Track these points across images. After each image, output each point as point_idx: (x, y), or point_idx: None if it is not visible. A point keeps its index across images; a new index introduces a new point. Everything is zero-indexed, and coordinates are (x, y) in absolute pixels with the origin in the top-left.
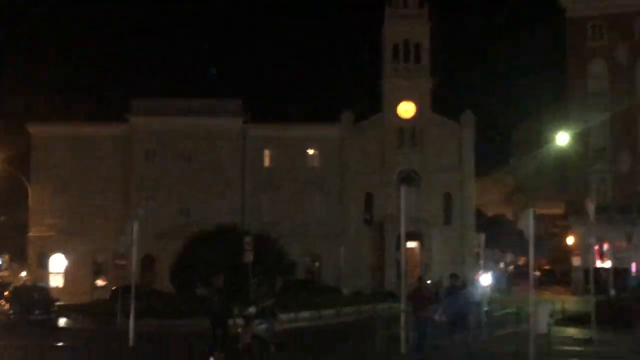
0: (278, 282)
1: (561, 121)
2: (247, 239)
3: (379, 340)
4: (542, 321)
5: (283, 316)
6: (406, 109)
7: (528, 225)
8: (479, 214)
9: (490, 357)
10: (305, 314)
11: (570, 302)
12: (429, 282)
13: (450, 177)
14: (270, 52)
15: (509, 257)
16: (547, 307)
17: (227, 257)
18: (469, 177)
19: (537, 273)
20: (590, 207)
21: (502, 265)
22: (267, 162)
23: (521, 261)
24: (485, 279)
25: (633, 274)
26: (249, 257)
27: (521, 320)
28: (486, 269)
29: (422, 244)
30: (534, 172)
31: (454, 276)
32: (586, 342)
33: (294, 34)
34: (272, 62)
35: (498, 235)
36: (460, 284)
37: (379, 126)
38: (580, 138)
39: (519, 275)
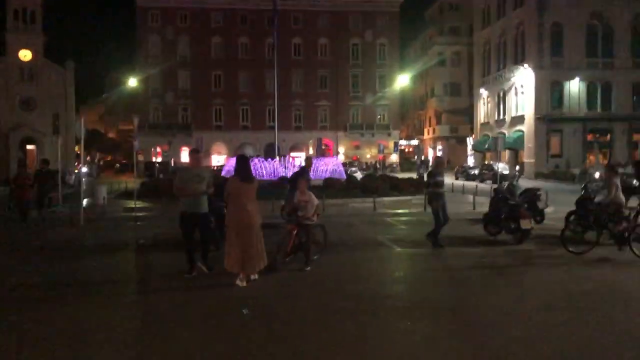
0: None
1: (131, 72)
2: None
3: None
4: (100, 196)
5: None
6: (25, 55)
7: (80, 129)
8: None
9: (66, 220)
10: None
11: (132, 183)
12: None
13: (59, 102)
14: None
15: (99, 155)
16: (104, 187)
17: None
18: (71, 103)
19: (118, 165)
20: (135, 121)
21: (96, 159)
22: None
23: (106, 158)
24: (84, 169)
25: (172, 165)
26: None
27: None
28: (85, 163)
29: (38, 147)
30: (118, 102)
31: (44, 161)
32: (131, 209)
33: None
34: None
35: (95, 141)
36: (54, 170)
37: (4, 65)
38: (141, 82)
39: (105, 166)
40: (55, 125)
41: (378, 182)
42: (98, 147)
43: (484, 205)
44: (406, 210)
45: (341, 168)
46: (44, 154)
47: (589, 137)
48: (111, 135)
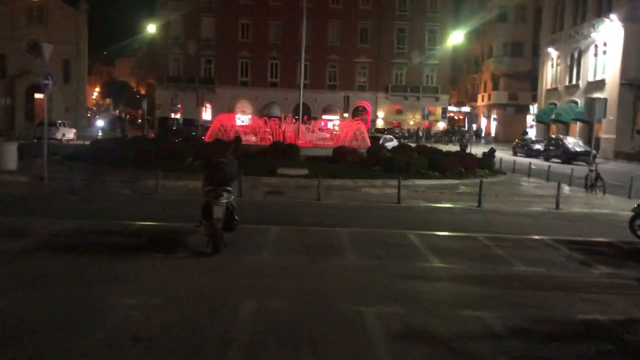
0: None
1: (150, 17)
2: None
3: None
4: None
5: None
6: None
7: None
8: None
9: None
10: None
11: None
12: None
13: (69, 48)
14: None
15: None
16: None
17: None
18: (84, 48)
19: (139, 120)
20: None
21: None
22: None
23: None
24: (100, 123)
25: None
26: None
27: None
28: (102, 116)
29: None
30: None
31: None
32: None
33: None
34: None
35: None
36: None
37: (10, 4)
38: (161, 30)
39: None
40: (65, 72)
41: (411, 156)
42: (126, 102)
43: (570, 203)
44: (449, 205)
45: (365, 134)
46: (52, 102)
47: None
48: (142, 89)
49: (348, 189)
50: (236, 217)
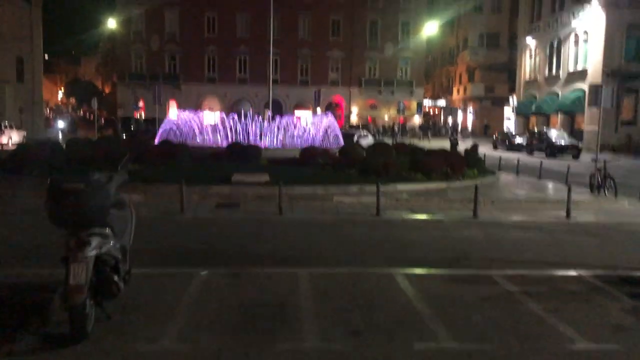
0: None
1: (112, 12)
2: None
3: None
4: None
5: None
6: None
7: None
8: (77, 79)
9: None
10: None
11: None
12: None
13: (22, 45)
14: None
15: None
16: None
17: None
18: (39, 45)
19: (103, 120)
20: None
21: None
22: None
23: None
24: (60, 124)
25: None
26: None
27: None
28: (61, 116)
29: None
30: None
31: None
32: None
33: None
34: None
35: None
36: None
37: None
38: (122, 25)
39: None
40: (19, 70)
41: (390, 156)
42: (89, 101)
43: (580, 209)
44: (440, 218)
45: (337, 131)
46: (4, 102)
47: None
48: (107, 87)
49: (317, 198)
50: (115, 279)
